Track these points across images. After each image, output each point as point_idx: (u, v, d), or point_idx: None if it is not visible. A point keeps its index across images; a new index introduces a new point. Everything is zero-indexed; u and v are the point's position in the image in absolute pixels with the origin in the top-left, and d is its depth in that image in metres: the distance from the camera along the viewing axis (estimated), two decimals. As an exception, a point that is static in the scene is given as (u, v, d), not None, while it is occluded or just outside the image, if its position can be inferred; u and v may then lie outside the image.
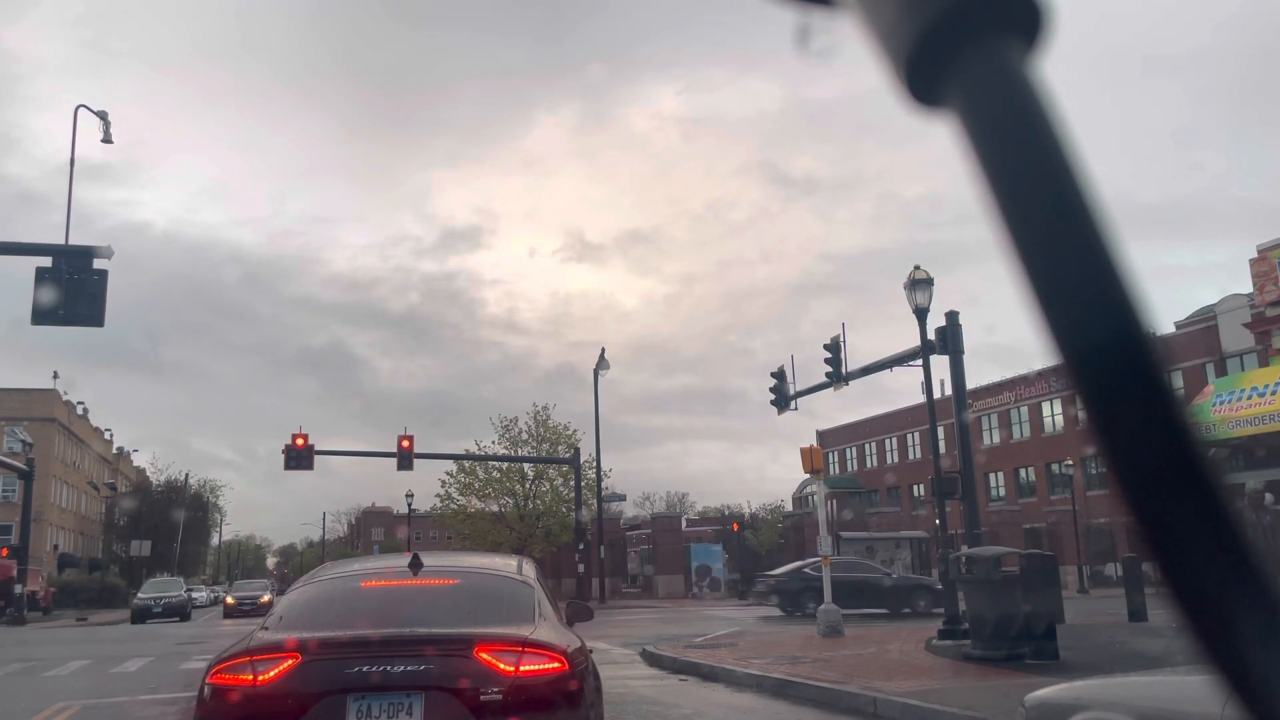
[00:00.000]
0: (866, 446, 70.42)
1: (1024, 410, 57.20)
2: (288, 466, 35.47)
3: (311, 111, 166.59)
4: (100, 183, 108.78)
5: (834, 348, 22.12)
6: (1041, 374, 52.32)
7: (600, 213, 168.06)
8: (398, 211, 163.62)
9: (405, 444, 37.06)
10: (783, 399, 24.37)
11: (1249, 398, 36.34)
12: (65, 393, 69.07)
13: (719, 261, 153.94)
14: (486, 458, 47.11)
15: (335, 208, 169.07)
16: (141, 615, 39.31)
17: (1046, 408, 55.34)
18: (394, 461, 37.46)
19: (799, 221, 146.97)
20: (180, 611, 40.82)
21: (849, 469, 71.82)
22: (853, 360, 22.41)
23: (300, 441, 35.27)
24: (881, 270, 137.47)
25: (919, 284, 17.85)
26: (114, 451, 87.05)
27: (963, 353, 17.80)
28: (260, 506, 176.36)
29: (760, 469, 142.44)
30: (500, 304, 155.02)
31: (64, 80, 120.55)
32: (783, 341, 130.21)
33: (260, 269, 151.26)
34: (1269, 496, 34.65)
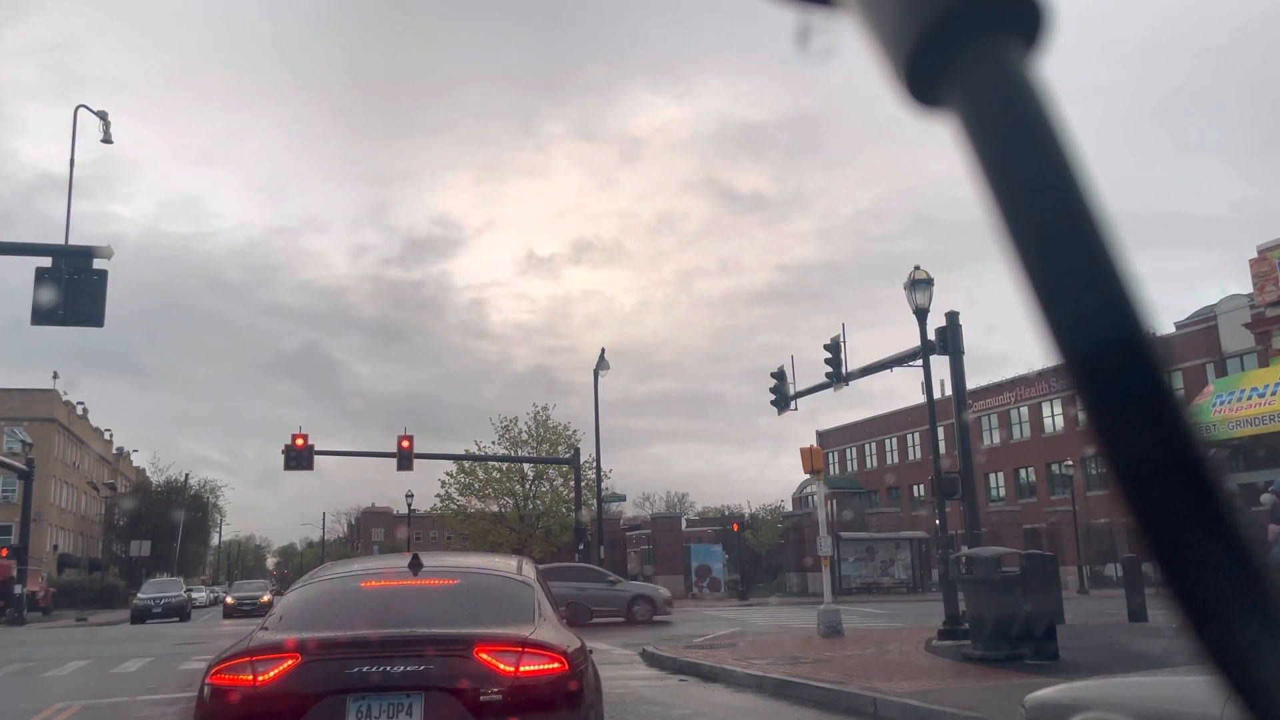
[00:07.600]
0: (866, 447, 70.39)
1: (1024, 410, 57.18)
2: (288, 466, 35.45)
3: (291, 118, 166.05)
4: (74, 194, 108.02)
5: (834, 348, 22.19)
6: (1041, 374, 52.31)
7: (578, 219, 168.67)
8: (373, 218, 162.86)
9: (405, 444, 37.04)
10: (782, 399, 24.42)
11: (1249, 398, 36.33)
12: (65, 393, 69.13)
13: (683, 271, 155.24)
14: (486, 458, 47.04)
15: (306, 215, 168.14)
16: (141, 615, 39.32)
17: (1046, 408, 55.33)
18: (386, 463, 37.52)
19: (752, 234, 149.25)
20: (180, 612, 40.82)
21: (849, 469, 71.78)
22: (822, 370, 22.56)
23: (300, 442, 35.25)
24: (839, 280, 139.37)
25: (919, 284, 17.84)
26: (114, 452, 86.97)
27: (963, 353, 17.80)
28: (251, 508, 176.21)
29: (748, 471, 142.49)
30: (474, 310, 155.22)
31: (33, 95, 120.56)
32: (758, 347, 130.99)
33: (237, 276, 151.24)
34: (1267, 497, 34.47)
